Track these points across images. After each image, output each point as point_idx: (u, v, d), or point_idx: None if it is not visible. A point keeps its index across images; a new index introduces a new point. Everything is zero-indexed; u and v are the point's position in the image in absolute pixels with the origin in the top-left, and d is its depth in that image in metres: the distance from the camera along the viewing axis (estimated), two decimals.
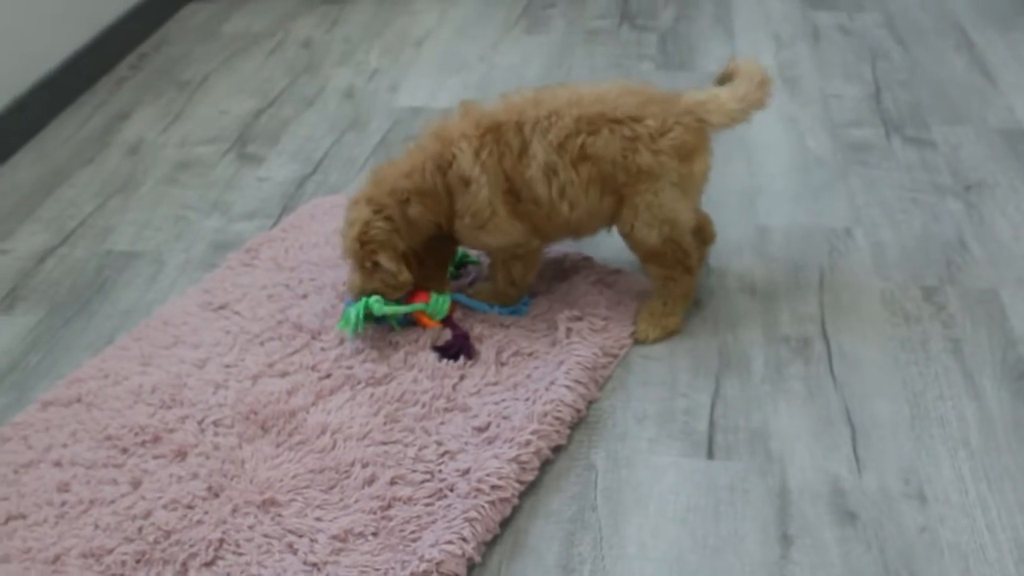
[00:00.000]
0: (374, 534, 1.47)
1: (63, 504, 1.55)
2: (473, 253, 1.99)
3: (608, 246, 2.05)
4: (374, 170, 1.83)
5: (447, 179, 1.76)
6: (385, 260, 1.76)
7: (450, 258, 1.89)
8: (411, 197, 1.77)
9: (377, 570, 1.42)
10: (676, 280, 1.81)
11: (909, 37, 2.89)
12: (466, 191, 1.74)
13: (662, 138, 1.72)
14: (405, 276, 1.78)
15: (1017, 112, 2.48)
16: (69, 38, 2.76)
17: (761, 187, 2.23)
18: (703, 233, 1.94)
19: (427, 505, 1.50)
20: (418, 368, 1.74)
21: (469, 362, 1.75)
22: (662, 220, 1.75)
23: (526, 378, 1.71)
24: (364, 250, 1.76)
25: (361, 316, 1.76)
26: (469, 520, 1.46)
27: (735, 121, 1.77)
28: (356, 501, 1.51)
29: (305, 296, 1.93)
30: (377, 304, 1.76)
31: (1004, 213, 2.12)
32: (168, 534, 1.49)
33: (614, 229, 1.82)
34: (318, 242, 2.08)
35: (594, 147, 1.71)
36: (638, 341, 1.82)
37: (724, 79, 1.83)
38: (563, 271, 1.96)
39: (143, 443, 1.64)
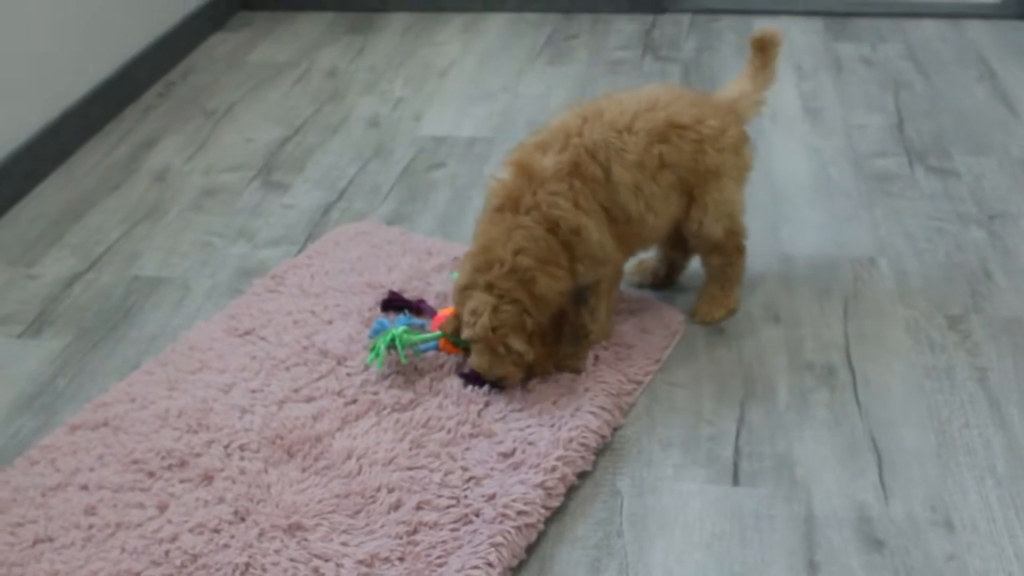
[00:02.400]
0: (400, 559, 1.47)
1: (90, 527, 1.55)
2: None
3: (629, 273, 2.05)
4: (471, 255, 1.75)
5: (560, 238, 1.71)
6: (517, 343, 1.70)
7: (565, 320, 1.80)
8: (535, 274, 1.69)
9: None
10: (734, 264, 1.92)
11: (931, 68, 2.90)
12: (579, 240, 1.71)
13: (723, 137, 1.81)
14: (531, 355, 1.73)
15: None
16: (97, 67, 2.80)
17: (786, 216, 2.24)
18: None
19: (453, 530, 1.50)
20: (443, 394, 1.75)
21: (495, 389, 1.75)
22: (726, 214, 1.85)
23: (551, 404, 1.71)
24: (496, 335, 1.69)
25: (390, 347, 1.77)
26: (495, 545, 1.46)
27: (759, 109, 1.94)
28: (382, 526, 1.52)
29: (331, 322, 1.94)
30: (406, 335, 1.77)
31: None
32: (195, 558, 1.49)
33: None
34: (343, 268, 2.09)
35: (670, 156, 1.77)
36: (703, 322, 1.92)
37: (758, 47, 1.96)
38: None
39: (169, 467, 1.65)
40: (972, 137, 2.52)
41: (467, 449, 1.64)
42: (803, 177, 2.38)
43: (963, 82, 2.81)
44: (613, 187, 1.73)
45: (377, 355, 1.77)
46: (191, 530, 1.53)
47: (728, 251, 1.90)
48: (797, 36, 3.14)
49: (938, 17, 3.24)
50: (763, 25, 3.11)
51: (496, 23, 3.35)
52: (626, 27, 3.28)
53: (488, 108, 2.79)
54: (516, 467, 1.59)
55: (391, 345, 1.77)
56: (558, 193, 1.70)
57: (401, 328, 1.79)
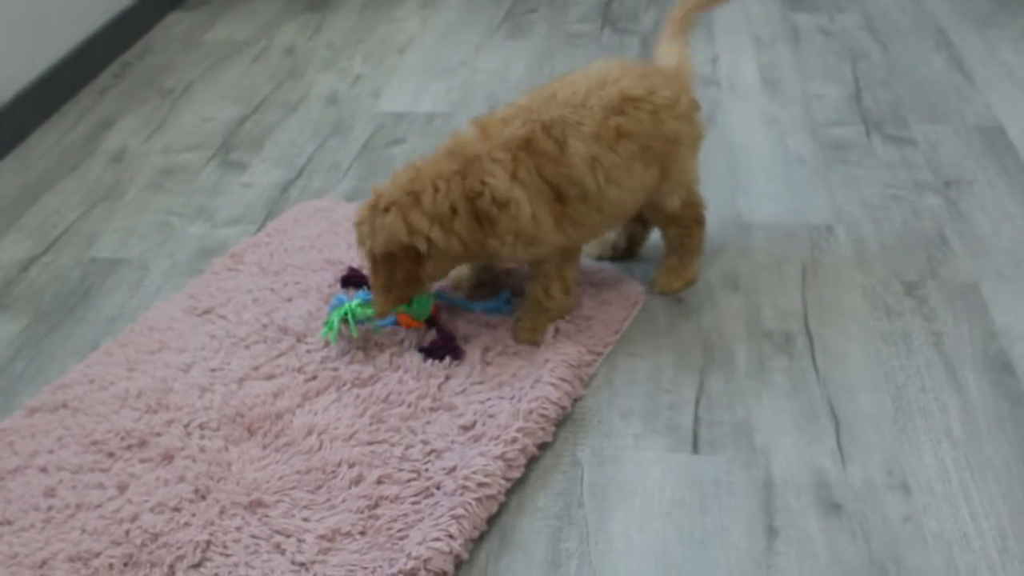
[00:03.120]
0: (361, 533, 1.47)
1: (50, 509, 1.54)
2: None
3: (589, 245, 2.06)
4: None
5: (478, 207, 1.69)
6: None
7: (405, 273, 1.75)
8: (406, 210, 1.68)
9: (365, 568, 1.42)
10: (691, 235, 1.92)
11: (888, 37, 2.91)
12: (504, 214, 1.69)
13: (677, 105, 1.81)
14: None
15: (994, 109, 2.50)
16: (52, 47, 2.77)
17: (743, 186, 2.25)
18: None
19: (414, 504, 1.51)
20: (403, 369, 1.75)
21: (455, 362, 1.75)
22: (683, 185, 1.86)
23: (511, 377, 1.71)
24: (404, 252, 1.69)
25: (343, 321, 1.77)
26: (456, 517, 1.47)
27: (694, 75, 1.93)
28: (343, 501, 1.52)
29: (290, 299, 1.94)
30: (360, 308, 1.77)
31: (983, 208, 2.13)
32: (155, 537, 1.49)
33: None
34: (303, 246, 2.09)
35: (628, 126, 1.75)
36: (661, 293, 1.93)
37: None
38: None
39: (129, 447, 1.64)
40: (928, 105, 2.54)
41: (427, 423, 1.64)
42: (761, 147, 2.39)
43: (920, 51, 2.82)
44: (568, 161, 1.71)
45: (331, 329, 1.77)
46: (151, 509, 1.53)
47: (686, 222, 1.90)
48: (755, 7, 3.15)
49: None
50: None
51: None
52: (585, 0, 3.27)
53: (447, 83, 2.78)
54: (476, 439, 1.59)
55: (344, 319, 1.77)
56: (499, 161, 1.68)
57: (356, 302, 1.78)
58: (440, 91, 2.73)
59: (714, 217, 2.12)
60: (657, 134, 1.78)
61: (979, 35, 2.90)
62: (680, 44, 1.93)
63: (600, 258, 2.02)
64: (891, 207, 2.15)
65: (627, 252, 2.02)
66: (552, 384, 1.67)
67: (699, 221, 1.92)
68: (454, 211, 1.68)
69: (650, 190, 1.82)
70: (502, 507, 1.53)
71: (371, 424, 1.64)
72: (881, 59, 2.79)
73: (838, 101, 2.58)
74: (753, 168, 2.31)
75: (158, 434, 1.66)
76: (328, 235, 2.11)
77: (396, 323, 1.83)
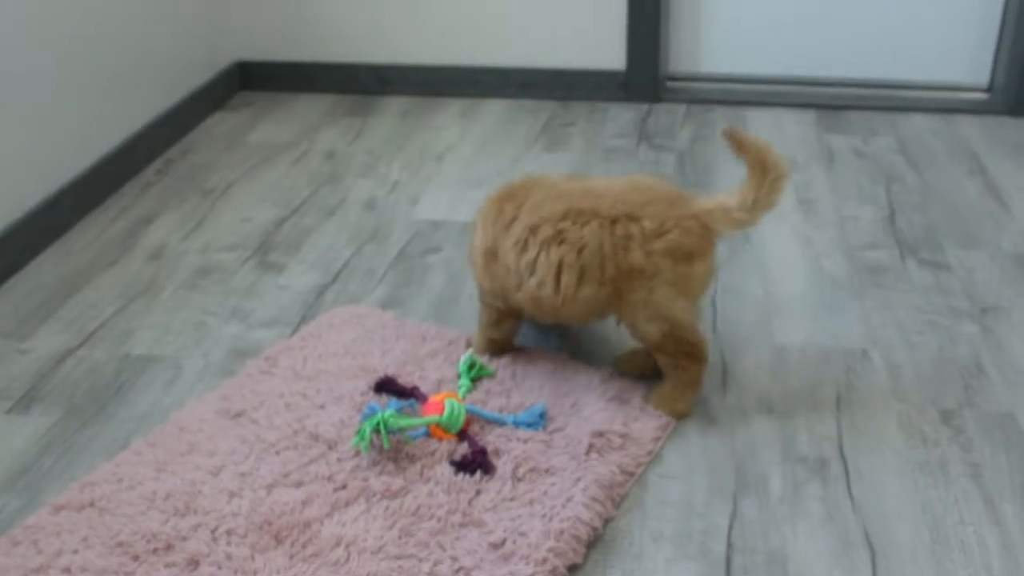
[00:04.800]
0: None
1: None
2: (490, 365, 2.00)
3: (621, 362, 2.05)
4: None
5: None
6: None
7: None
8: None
9: None
10: (684, 368, 1.88)
11: (922, 162, 2.94)
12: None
13: (657, 239, 1.80)
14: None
15: None
16: (99, 143, 2.83)
17: (778, 307, 2.25)
18: None
19: None
20: (434, 482, 1.73)
21: (486, 477, 1.74)
22: (660, 316, 1.83)
23: (543, 495, 1.70)
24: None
25: (375, 431, 1.76)
26: None
27: (743, 227, 1.85)
28: None
29: (323, 406, 1.94)
30: (393, 419, 1.77)
31: (1021, 337, 2.12)
32: None
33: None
34: (337, 352, 2.09)
35: (575, 235, 1.81)
36: (655, 408, 1.90)
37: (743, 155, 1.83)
38: (581, 387, 1.96)
39: (155, 551, 1.63)
40: (963, 231, 2.54)
41: (457, 539, 1.62)
42: (796, 268, 2.40)
43: (954, 176, 2.84)
44: (509, 232, 1.91)
45: (363, 438, 1.76)
46: None
47: (671, 354, 1.86)
48: (790, 128, 3.18)
49: (928, 112, 3.29)
50: (756, 115, 3.17)
51: (494, 109, 3.40)
52: (622, 115, 3.32)
53: (484, 193, 2.80)
54: (506, 558, 1.57)
55: (376, 429, 1.77)
56: (488, 202, 2.01)
57: (389, 412, 1.78)
58: (477, 200, 2.76)
59: (749, 338, 2.12)
60: (616, 259, 1.80)
61: (1013, 162, 2.92)
62: (740, 190, 1.82)
63: (629, 374, 2.01)
64: (926, 333, 2.15)
65: (655, 372, 1.98)
66: (584, 504, 1.66)
67: (692, 356, 1.86)
68: None
69: (599, 308, 1.88)
70: None
71: (400, 537, 1.62)
72: (915, 183, 2.80)
73: (872, 224, 2.59)
74: (788, 289, 2.31)
75: (184, 538, 1.65)
76: (363, 342, 2.12)
77: (428, 434, 1.82)
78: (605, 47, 3.39)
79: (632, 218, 1.80)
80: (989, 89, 3.35)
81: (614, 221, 1.80)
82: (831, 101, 3.36)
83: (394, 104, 3.46)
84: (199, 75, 3.37)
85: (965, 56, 3.35)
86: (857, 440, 1.85)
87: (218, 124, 3.35)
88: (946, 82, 3.38)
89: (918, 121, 3.23)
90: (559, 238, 1.82)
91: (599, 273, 1.81)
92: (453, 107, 3.42)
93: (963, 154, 2.98)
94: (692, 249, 1.81)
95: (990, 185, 2.78)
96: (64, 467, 1.86)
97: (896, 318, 2.20)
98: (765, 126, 3.20)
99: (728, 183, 2.77)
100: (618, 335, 2.09)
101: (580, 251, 1.82)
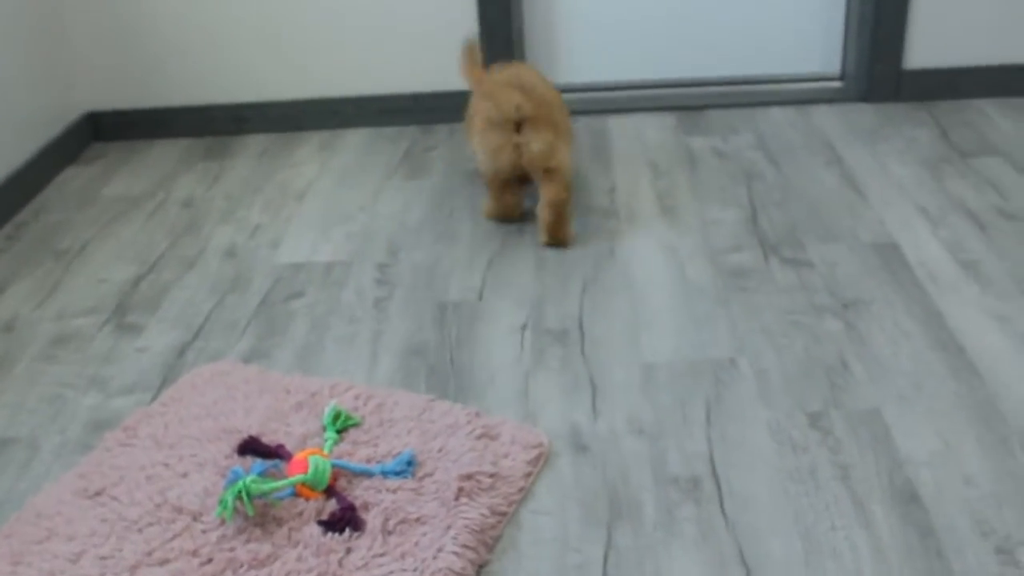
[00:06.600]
0: None
1: None
2: (355, 415, 1.96)
3: (493, 396, 2.03)
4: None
5: None
6: None
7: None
8: None
9: None
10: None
11: (781, 156, 2.97)
12: None
13: None
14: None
15: (887, 225, 2.55)
16: None
17: (646, 322, 2.24)
18: None
19: None
20: (303, 544, 1.68)
21: (356, 534, 1.69)
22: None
23: (414, 546, 1.66)
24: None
25: (238, 499, 1.71)
26: None
27: None
28: None
29: (185, 475, 1.87)
30: (255, 484, 1.71)
31: (882, 328, 2.15)
32: None
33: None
34: (199, 414, 2.02)
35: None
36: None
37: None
38: (447, 428, 1.93)
39: None
40: (823, 225, 2.57)
41: None
42: (661, 279, 2.40)
43: (812, 168, 2.88)
44: None
45: (225, 508, 1.71)
46: None
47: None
48: (651, 133, 3.19)
49: (785, 104, 3.33)
50: (617, 122, 3.18)
51: (353, 139, 3.34)
52: None
53: (346, 229, 2.76)
54: None
55: (239, 496, 1.71)
56: None
57: (251, 478, 1.72)
58: (339, 238, 2.71)
59: (617, 358, 2.11)
60: None
61: (866, 148, 2.97)
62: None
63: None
64: (791, 334, 2.16)
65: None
66: (455, 553, 1.62)
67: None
68: None
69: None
70: None
71: None
72: (775, 179, 2.83)
73: (735, 225, 2.61)
74: (654, 303, 2.31)
75: None
76: (225, 401, 2.05)
77: (294, 494, 1.77)
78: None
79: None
80: (840, 77, 3.41)
81: None
82: (690, 102, 3.38)
83: (251, 143, 3.39)
84: (48, 129, 3.26)
85: (816, 45, 3.40)
86: (728, 454, 1.84)
87: (71, 179, 3.24)
88: (801, 73, 3.43)
89: (775, 114, 3.27)
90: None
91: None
92: (312, 140, 3.36)
93: (820, 145, 3.02)
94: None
95: (846, 175, 2.82)
96: None
97: (761, 321, 2.21)
98: (625, 133, 3.20)
99: (594, 195, 2.77)
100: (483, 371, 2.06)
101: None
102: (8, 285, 2.64)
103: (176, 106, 3.45)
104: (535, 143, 2.52)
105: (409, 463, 1.82)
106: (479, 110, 2.61)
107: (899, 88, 3.29)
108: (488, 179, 2.66)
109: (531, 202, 2.76)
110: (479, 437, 1.88)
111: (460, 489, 1.76)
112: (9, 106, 3.04)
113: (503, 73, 2.69)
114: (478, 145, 2.61)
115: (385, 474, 1.81)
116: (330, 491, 1.77)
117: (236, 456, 1.89)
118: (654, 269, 2.44)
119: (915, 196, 2.69)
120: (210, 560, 1.68)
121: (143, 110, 3.47)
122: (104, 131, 3.50)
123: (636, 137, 3.17)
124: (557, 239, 2.57)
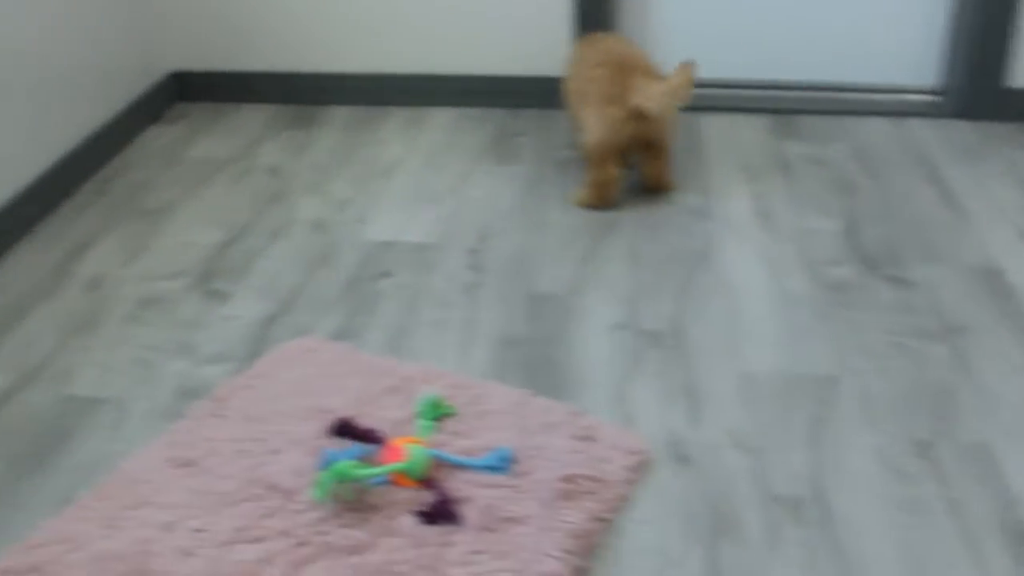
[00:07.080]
0: None
1: None
2: (452, 405, 1.93)
3: (589, 396, 1.99)
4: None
5: None
6: None
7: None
8: None
9: None
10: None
11: (878, 169, 2.90)
12: None
13: None
14: None
15: (990, 248, 2.48)
16: (29, 165, 2.70)
17: (744, 331, 2.19)
18: None
19: None
20: (399, 535, 1.66)
21: (452, 527, 1.66)
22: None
23: (514, 546, 1.63)
24: None
25: (336, 483, 1.68)
26: None
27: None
28: None
29: (277, 452, 1.85)
30: (352, 468, 1.69)
31: (989, 358, 2.09)
32: None
33: None
34: (289, 391, 2.00)
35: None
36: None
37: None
38: (547, 425, 1.89)
39: None
40: (924, 244, 2.51)
41: None
42: (758, 286, 2.35)
43: (910, 184, 2.81)
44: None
45: (323, 490, 1.68)
46: None
47: None
48: (745, 134, 3.14)
49: (880, 115, 3.26)
50: (710, 121, 3.12)
51: (439, 118, 3.30)
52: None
53: (435, 210, 2.73)
54: None
55: (338, 481, 1.68)
56: None
57: (350, 462, 1.70)
58: (428, 220, 2.68)
59: (717, 366, 2.07)
60: None
61: (967, 168, 2.89)
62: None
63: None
64: (895, 356, 2.11)
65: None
66: (556, 557, 1.59)
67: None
68: None
69: None
70: None
71: None
72: (873, 192, 2.77)
73: (833, 237, 2.55)
74: (752, 310, 2.26)
75: None
76: (315, 380, 2.03)
77: (388, 482, 1.75)
78: (554, 53, 3.30)
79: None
80: (939, 92, 3.33)
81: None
82: (784, 105, 3.31)
83: (337, 114, 3.35)
84: (133, 87, 3.24)
85: (914, 57, 3.32)
86: (833, 477, 1.80)
87: (155, 139, 3.22)
88: (895, 84, 3.35)
89: (871, 125, 3.20)
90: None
91: None
92: (398, 117, 3.32)
93: (918, 160, 2.95)
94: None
95: (946, 193, 2.76)
96: (4, 526, 1.75)
97: (864, 341, 2.15)
98: (720, 133, 3.14)
99: (687, 196, 2.72)
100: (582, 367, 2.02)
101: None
102: (96, 240, 2.63)
103: (260, 71, 3.42)
104: (653, 102, 2.56)
105: (506, 459, 1.79)
106: (594, 78, 2.67)
107: (1000, 107, 3.21)
108: (594, 152, 2.65)
109: (623, 194, 2.72)
110: (580, 438, 1.84)
111: (560, 491, 1.72)
112: (95, 62, 3.03)
113: (608, 47, 2.78)
114: (591, 116, 2.64)
115: (482, 468, 1.78)
116: (427, 482, 1.74)
117: (328, 436, 1.87)
118: (751, 275, 2.39)
119: (1017, 220, 2.62)
120: (305, 543, 1.65)
121: (228, 73, 3.44)
122: (188, 91, 3.47)
123: (730, 138, 3.11)
124: (662, 184, 2.75)
